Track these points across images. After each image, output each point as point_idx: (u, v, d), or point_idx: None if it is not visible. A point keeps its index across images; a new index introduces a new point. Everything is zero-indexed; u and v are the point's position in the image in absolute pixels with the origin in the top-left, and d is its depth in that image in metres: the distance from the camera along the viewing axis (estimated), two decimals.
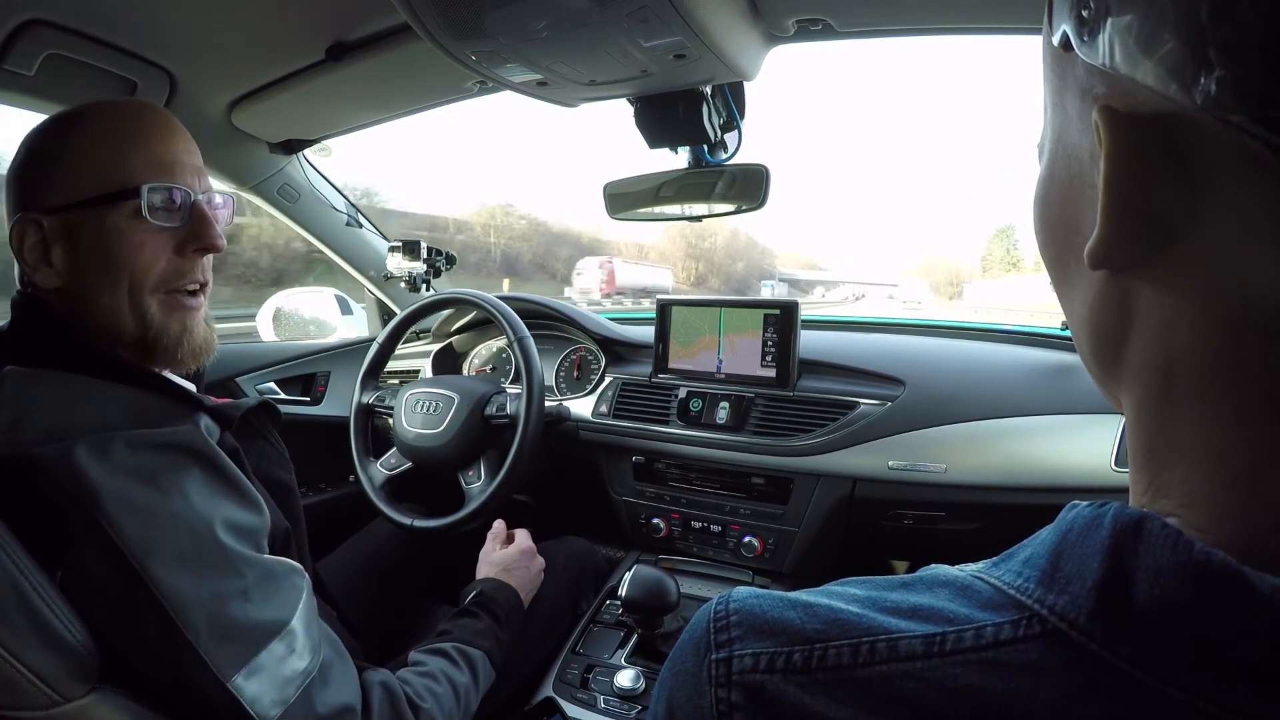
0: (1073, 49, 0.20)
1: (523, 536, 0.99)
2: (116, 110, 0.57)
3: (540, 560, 0.97)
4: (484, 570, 0.92)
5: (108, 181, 0.54)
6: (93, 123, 0.56)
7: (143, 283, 0.56)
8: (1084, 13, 0.19)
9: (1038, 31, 0.23)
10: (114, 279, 0.55)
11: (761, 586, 0.54)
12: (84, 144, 0.55)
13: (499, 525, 1.02)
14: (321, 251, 1.46)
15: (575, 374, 1.33)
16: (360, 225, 1.45)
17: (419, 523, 1.07)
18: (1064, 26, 0.20)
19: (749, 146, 0.95)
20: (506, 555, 0.94)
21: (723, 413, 1.08)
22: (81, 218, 0.54)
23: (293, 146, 1.24)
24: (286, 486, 0.65)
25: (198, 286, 0.60)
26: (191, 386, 0.62)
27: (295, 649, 0.52)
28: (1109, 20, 0.17)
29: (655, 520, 1.16)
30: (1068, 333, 0.25)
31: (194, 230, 0.58)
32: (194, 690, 0.47)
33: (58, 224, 0.55)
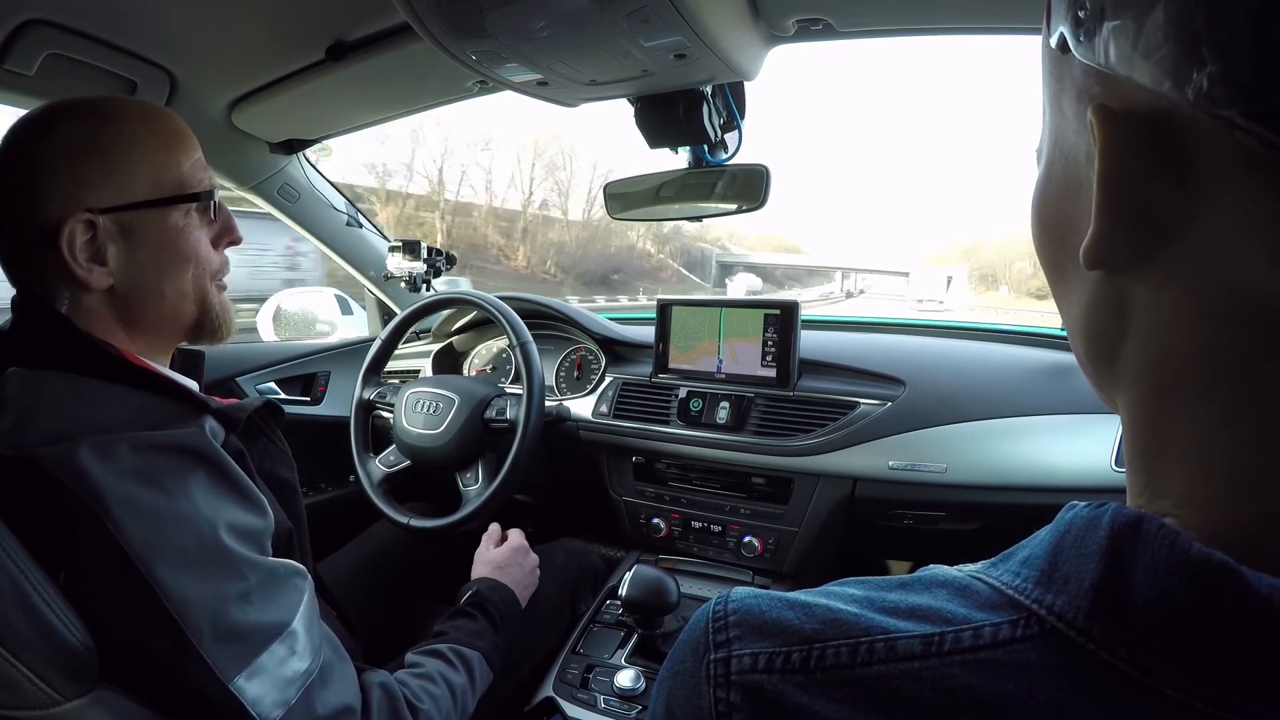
0: (1070, 51, 0.20)
1: (516, 536, 0.99)
2: (155, 112, 0.59)
3: (534, 558, 0.97)
4: (478, 570, 0.93)
5: (165, 183, 0.57)
6: (138, 123, 0.56)
7: (205, 273, 0.60)
8: (1080, 14, 0.19)
9: (1038, 31, 0.23)
10: (180, 272, 0.59)
11: (761, 587, 0.54)
12: (134, 144, 0.55)
13: (494, 528, 1.02)
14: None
15: (575, 374, 1.33)
16: (360, 225, 1.46)
17: (415, 522, 1.07)
18: (1061, 28, 0.20)
19: (749, 142, 0.95)
20: (499, 554, 0.94)
21: (723, 413, 1.08)
22: (141, 217, 0.56)
23: (293, 146, 1.24)
24: (290, 486, 0.65)
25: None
26: (194, 384, 0.62)
27: (296, 650, 0.52)
28: (1105, 21, 0.18)
29: (655, 520, 1.16)
30: (1066, 333, 0.25)
31: (225, 226, 0.63)
32: (196, 691, 0.47)
33: (114, 222, 0.54)
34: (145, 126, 0.57)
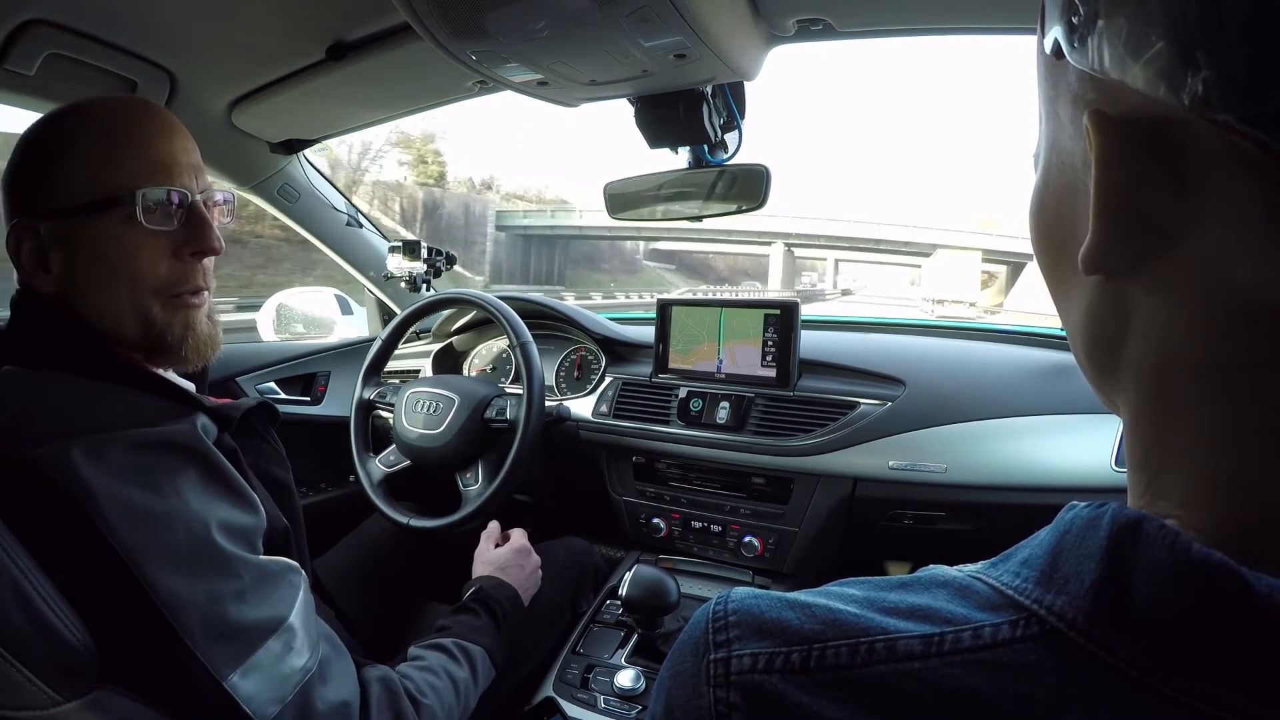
0: (1064, 56, 0.20)
1: (518, 536, 0.99)
2: (111, 109, 0.55)
3: (536, 558, 0.97)
4: (479, 570, 0.92)
5: (102, 186, 0.53)
6: (86, 123, 0.54)
7: (143, 287, 0.55)
8: (1074, 19, 0.19)
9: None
10: (113, 284, 0.54)
11: (761, 587, 0.54)
12: (77, 146, 0.54)
13: (493, 526, 1.02)
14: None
15: (575, 374, 1.33)
16: (360, 225, 1.46)
17: (415, 522, 1.07)
18: (1055, 33, 0.20)
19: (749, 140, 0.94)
20: (500, 555, 0.94)
21: (723, 413, 1.08)
22: (77, 223, 0.54)
23: (293, 146, 1.24)
24: (284, 486, 0.65)
25: (197, 289, 0.59)
26: (191, 386, 0.62)
27: (294, 647, 0.52)
28: (1099, 25, 0.18)
29: (655, 520, 1.16)
30: (1066, 335, 0.25)
31: (192, 233, 0.57)
32: (191, 689, 0.47)
33: (53, 230, 0.54)
34: (95, 126, 0.54)
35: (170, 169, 0.56)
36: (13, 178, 0.55)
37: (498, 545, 0.98)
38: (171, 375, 0.60)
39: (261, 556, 0.53)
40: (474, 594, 0.84)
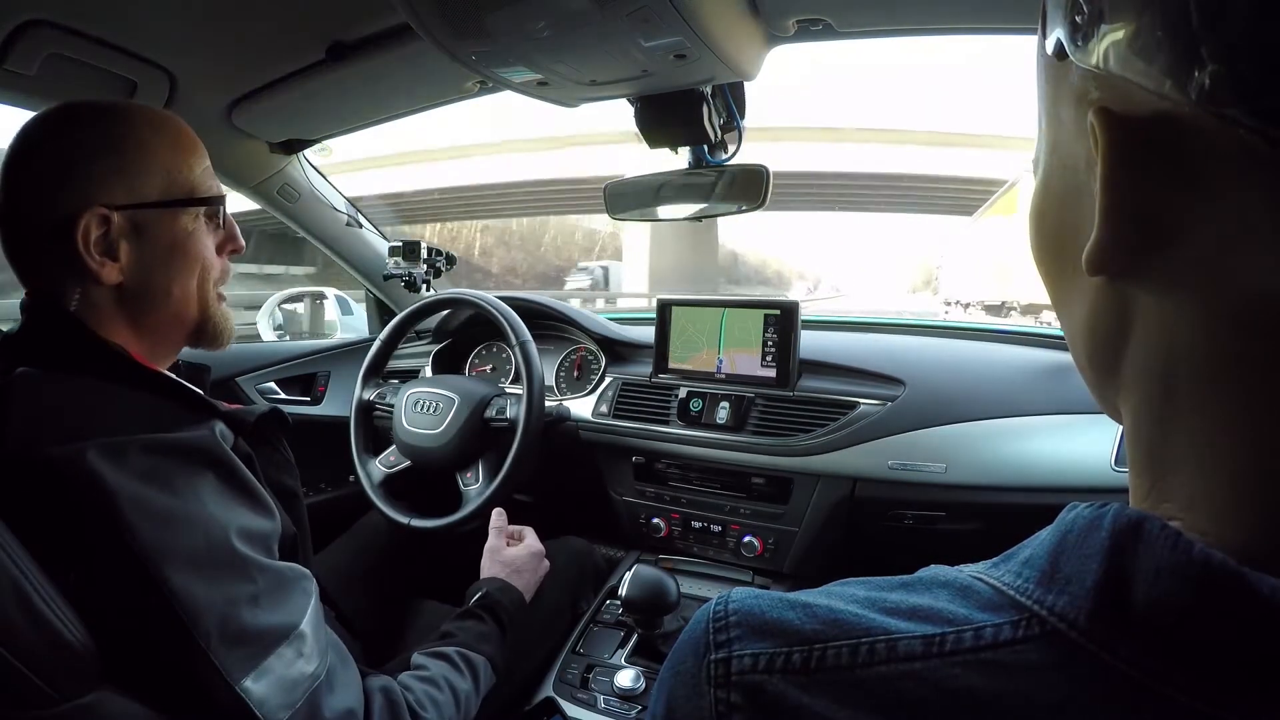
0: (1067, 56, 0.20)
1: (531, 538, 0.98)
2: (166, 117, 0.60)
3: (547, 563, 0.96)
4: (491, 569, 0.91)
5: (177, 186, 0.58)
6: (150, 127, 0.58)
7: (209, 277, 0.62)
8: (1078, 18, 0.19)
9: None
10: (187, 274, 0.60)
11: (762, 587, 0.54)
12: (148, 147, 0.57)
13: (501, 519, 1.00)
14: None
15: (575, 374, 1.33)
16: (360, 225, 1.46)
17: (416, 522, 1.07)
18: (1058, 33, 0.20)
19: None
20: (517, 556, 0.93)
21: (723, 413, 1.08)
22: (153, 217, 0.57)
23: (293, 146, 1.24)
24: (293, 494, 0.66)
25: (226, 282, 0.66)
26: (199, 390, 0.62)
27: (304, 653, 0.52)
28: (1102, 24, 0.17)
29: (655, 520, 1.16)
30: (1067, 342, 0.25)
31: (230, 234, 0.65)
32: (203, 692, 0.47)
33: (125, 220, 0.55)
34: (157, 130, 0.58)
35: (215, 178, 0.63)
36: (75, 169, 0.55)
37: (509, 541, 0.96)
38: (180, 379, 0.61)
39: (277, 561, 0.54)
40: (481, 599, 0.84)
